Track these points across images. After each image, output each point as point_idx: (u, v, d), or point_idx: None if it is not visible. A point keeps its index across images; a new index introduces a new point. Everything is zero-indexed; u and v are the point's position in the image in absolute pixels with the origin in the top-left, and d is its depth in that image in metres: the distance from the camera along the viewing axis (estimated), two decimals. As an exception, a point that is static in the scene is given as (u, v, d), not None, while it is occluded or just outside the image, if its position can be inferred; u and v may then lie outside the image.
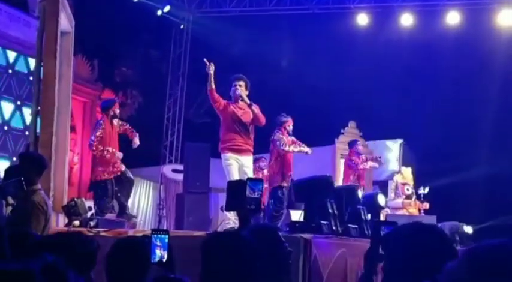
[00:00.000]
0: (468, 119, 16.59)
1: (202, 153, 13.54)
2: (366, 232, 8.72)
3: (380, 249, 3.84)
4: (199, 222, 12.90)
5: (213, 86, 9.69)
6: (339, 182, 13.95)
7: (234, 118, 9.75)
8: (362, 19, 17.31)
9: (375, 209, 9.87)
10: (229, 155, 9.67)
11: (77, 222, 8.54)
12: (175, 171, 16.96)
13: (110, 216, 10.36)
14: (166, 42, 19.07)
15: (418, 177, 14.91)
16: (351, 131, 17.10)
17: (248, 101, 9.81)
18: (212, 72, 9.63)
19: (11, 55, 14.75)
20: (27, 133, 14.23)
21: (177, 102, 18.98)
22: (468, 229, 12.79)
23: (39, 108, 7.98)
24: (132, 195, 15.42)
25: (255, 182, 5.40)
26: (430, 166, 15.88)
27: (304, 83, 16.78)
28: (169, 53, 19.15)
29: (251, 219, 5.29)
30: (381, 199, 10.18)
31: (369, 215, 9.28)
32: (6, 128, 14.56)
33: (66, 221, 8.69)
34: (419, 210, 13.89)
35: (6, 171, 6.98)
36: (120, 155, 10.42)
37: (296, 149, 11.03)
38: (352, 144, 13.78)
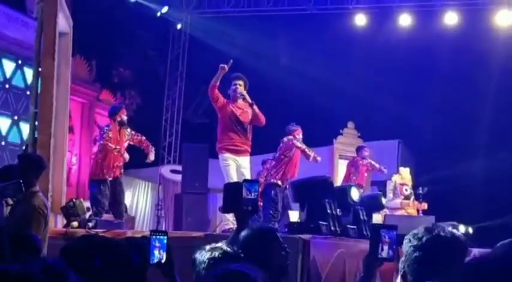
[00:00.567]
0: (466, 119, 16.60)
1: (201, 153, 13.55)
2: (365, 233, 8.74)
3: (379, 253, 3.84)
4: (197, 223, 12.93)
5: (217, 83, 9.63)
6: (337, 182, 13.98)
7: (233, 117, 9.68)
8: (360, 20, 17.32)
9: (373, 209, 9.90)
10: (227, 155, 9.59)
11: (75, 223, 8.56)
12: (173, 171, 16.96)
13: (108, 217, 10.40)
14: (164, 42, 19.08)
15: (416, 177, 14.91)
16: (349, 131, 17.12)
17: (250, 100, 9.74)
18: (225, 70, 9.56)
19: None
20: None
21: (175, 103, 18.98)
22: (466, 229, 12.78)
23: (37, 109, 7.98)
24: (130, 195, 15.51)
25: (251, 182, 5.39)
26: (429, 166, 15.90)
27: (303, 83, 16.77)
28: (167, 54, 19.16)
29: (248, 220, 5.28)
30: (381, 199, 10.23)
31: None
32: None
33: (65, 222, 8.70)
34: (418, 210, 13.89)
35: (1, 171, 6.89)
36: (127, 156, 10.61)
37: (308, 150, 11.08)
38: (359, 149, 13.90)
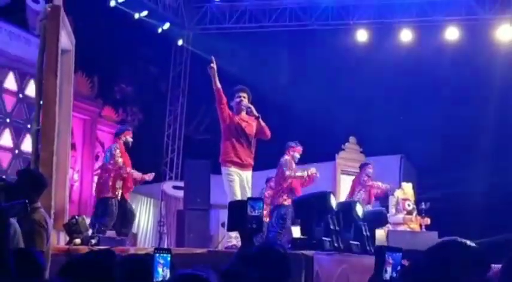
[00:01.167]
0: (467, 133, 16.59)
1: (203, 170, 13.56)
2: (368, 248, 8.72)
3: (383, 276, 3.83)
4: (200, 239, 12.93)
5: (219, 85, 9.42)
6: (340, 197, 13.96)
7: (238, 130, 9.45)
8: (362, 35, 17.38)
9: (376, 225, 9.87)
10: (232, 169, 9.34)
11: (78, 240, 8.56)
12: (175, 188, 16.95)
13: (111, 233, 10.41)
14: (166, 59, 19.13)
15: (418, 192, 14.88)
16: (351, 146, 17.11)
17: (256, 113, 9.51)
18: (214, 68, 9.40)
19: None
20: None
21: (177, 119, 19.01)
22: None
23: (39, 126, 7.98)
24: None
25: (256, 200, 5.41)
26: (431, 181, 15.88)
27: (304, 99, 16.76)
28: (169, 70, 19.21)
29: (253, 238, 5.27)
30: (384, 215, 10.22)
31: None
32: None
33: (68, 239, 8.70)
34: (421, 225, 13.86)
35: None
36: (138, 174, 10.72)
37: (299, 174, 11.20)
38: (363, 166, 13.86)
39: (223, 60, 17.26)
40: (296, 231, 8.83)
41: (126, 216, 10.91)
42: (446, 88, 16.78)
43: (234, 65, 17.06)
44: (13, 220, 5.48)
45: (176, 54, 19.25)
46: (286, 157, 11.43)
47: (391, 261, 3.95)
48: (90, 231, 9.31)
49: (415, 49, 16.95)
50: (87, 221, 9.45)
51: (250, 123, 9.57)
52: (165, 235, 16.42)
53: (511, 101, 15.94)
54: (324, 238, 7.97)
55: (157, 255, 4.07)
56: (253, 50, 17.34)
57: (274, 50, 17.90)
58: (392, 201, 14.31)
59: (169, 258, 4.09)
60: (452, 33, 16.73)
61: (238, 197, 8.93)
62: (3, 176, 10.08)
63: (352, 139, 17.16)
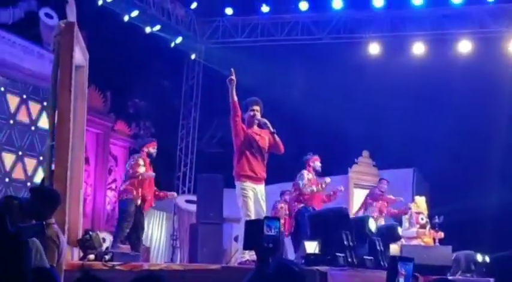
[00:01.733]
0: (481, 146, 16.54)
1: (215, 183, 13.55)
2: (382, 263, 8.70)
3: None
4: (213, 253, 12.89)
5: (236, 98, 9.27)
6: (353, 212, 13.94)
7: (252, 143, 9.34)
8: (374, 48, 17.40)
9: (389, 239, 9.84)
10: (247, 184, 9.19)
11: (92, 256, 8.56)
12: (188, 201, 16.97)
13: (125, 248, 10.42)
14: (179, 73, 19.18)
15: (431, 206, 14.84)
16: (364, 160, 17.09)
17: (272, 129, 9.43)
18: (234, 80, 9.31)
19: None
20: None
21: (190, 133, 19.04)
22: (483, 258, 12.70)
23: (54, 142, 8.00)
24: (145, 226, 15.54)
25: (272, 220, 5.39)
26: (444, 195, 15.82)
27: (317, 112, 16.76)
28: (182, 84, 19.26)
29: (269, 258, 5.23)
30: (398, 230, 10.19)
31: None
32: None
33: (81, 254, 8.70)
34: (434, 239, 13.81)
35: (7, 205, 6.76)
36: (151, 174, 10.90)
37: (319, 188, 11.30)
38: (378, 181, 14.14)
39: (236, 74, 17.37)
40: (310, 247, 8.78)
41: (138, 227, 10.96)
42: (459, 101, 16.72)
43: (247, 79, 16.98)
44: (34, 239, 5.49)
45: (189, 68, 19.31)
46: (304, 173, 11.48)
47: (403, 272, 3.95)
48: (104, 247, 9.32)
49: (428, 62, 16.94)
50: (101, 236, 9.46)
51: (263, 136, 9.46)
52: (178, 249, 16.43)
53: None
54: (337, 254, 7.95)
55: None
56: (265, 64, 17.35)
57: (286, 63, 17.91)
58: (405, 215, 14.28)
59: None
60: (464, 46, 16.73)
61: (252, 213, 8.89)
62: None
63: (365, 153, 17.15)
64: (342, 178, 16.43)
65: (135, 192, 10.81)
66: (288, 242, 12.25)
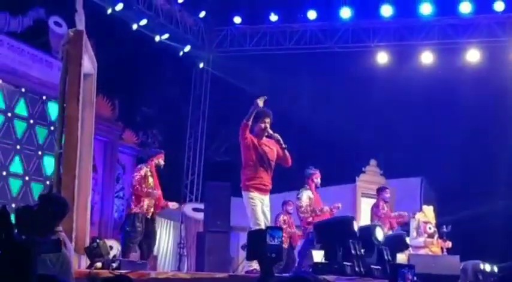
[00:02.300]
0: (489, 155, 16.53)
1: (223, 192, 13.54)
2: (389, 273, 8.67)
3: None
4: (220, 262, 12.89)
5: (250, 122, 9.18)
6: (360, 220, 13.91)
7: (261, 155, 9.30)
8: (382, 57, 17.40)
9: (397, 249, 9.82)
10: (255, 194, 9.18)
11: (99, 264, 8.56)
12: (195, 210, 16.95)
13: (133, 256, 10.42)
14: (187, 81, 19.20)
15: (439, 215, 14.81)
16: (371, 169, 17.08)
17: (284, 144, 9.39)
18: (259, 106, 9.15)
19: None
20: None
21: (198, 141, 19.04)
22: (491, 268, 12.66)
23: (62, 150, 8.03)
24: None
25: (275, 229, 5.39)
26: (452, 204, 15.79)
27: (325, 121, 16.76)
28: (190, 93, 19.28)
29: (272, 268, 5.22)
30: (405, 239, 10.17)
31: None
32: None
33: (88, 262, 8.71)
34: (442, 249, 13.76)
35: (21, 213, 6.71)
36: (157, 193, 10.76)
37: (318, 211, 11.32)
38: (380, 191, 13.60)
39: (244, 82, 17.41)
40: (317, 256, 8.78)
41: (150, 236, 10.97)
42: (467, 110, 16.71)
43: (255, 87, 17.10)
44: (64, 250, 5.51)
45: (197, 76, 19.34)
46: (303, 196, 11.46)
47: (410, 277, 3.97)
48: (111, 254, 9.32)
49: (436, 71, 16.94)
50: (108, 244, 9.45)
51: (272, 148, 9.44)
52: (185, 257, 16.39)
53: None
54: (345, 263, 7.95)
55: None
56: (273, 72, 17.36)
57: (294, 72, 17.92)
58: (413, 224, 14.23)
59: None
60: (473, 56, 16.72)
61: (262, 222, 8.89)
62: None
63: (372, 162, 17.14)
64: (349, 187, 16.42)
65: (144, 204, 10.77)
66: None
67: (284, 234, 10.70)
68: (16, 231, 6.09)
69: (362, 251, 8.44)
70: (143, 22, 16.61)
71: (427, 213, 14.36)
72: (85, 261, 8.81)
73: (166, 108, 18.75)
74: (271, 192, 9.66)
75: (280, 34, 18.23)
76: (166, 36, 17.37)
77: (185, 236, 16.83)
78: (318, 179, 11.59)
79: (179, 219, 17.05)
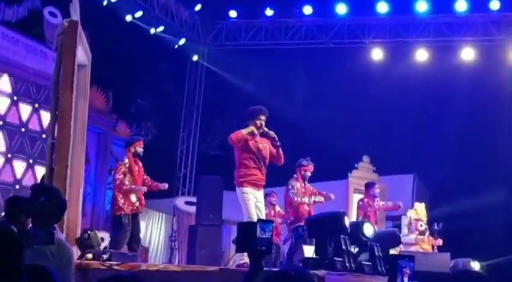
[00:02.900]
0: (483, 153, 16.56)
1: (216, 185, 13.53)
2: (380, 269, 8.67)
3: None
4: (211, 255, 12.88)
5: (245, 137, 9.35)
6: (352, 216, 13.89)
7: (256, 152, 9.42)
8: (377, 54, 17.41)
9: (389, 245, 9.82)
10: (249, 189, 9.31)
11: (90, 255, 8.55)
12: (188, 203, 16.94)
13: (123, 248, 10.42)
14: (182, 74, 19.18)
15: (431, 212, 14.84)
16: (364, 165, 17.07)
17: (279, 143, 9.49)
18: (255, 134, 9.36)
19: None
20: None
21: (191, 134, 19.02)
22: (481, 265, 12.70)
23: (54, 140, 8.01)
24: (144, 226, 15.53)
25: (266, 222, 5.39)
26: (444, 201, 15.83)
27: (319, 117, 16.78)
28: (184, 86, 19.25)
29: (262, 260, 5.23)
30: (397, 235, 10.19)
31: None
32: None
33: (79, 253, 8.70)
34: (433, 246, 13.79)
35: (11, 202, 6.69)
36: (144, 188, 10.69)
37: (311, 200, 11.20)
38: (369, 186, 13.42)
39: (238, 77, 17.41)
40: (308, 251, 8.79)
41: (136, 232, 10.96)
42: (461, 108, 16.75)
43: (249, 82, 17.12)
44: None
45: (191, 69, 19.30)
46: (293, 183, 11.39)
47: (408, 271, 3.97)
48: (102, 246, 9.31)
49: (430, 69, 16.95)
50: (100, 235, 9.44)
51: (265, 145, 9.55)
52: (176, 250, 16.40)
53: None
54: (335, 258, 7.95)
55: None
56: (268, 67, 17.37)
57: (289, 67, 17.93)
58: (404, 221, 14.26)
59: None
60: (467, 54, 16.74)
61: (255, 216, 8.97)
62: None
63: (365, 158, 17.13)
64: (341, 183, 16.42)
65: (126, 204, 10.74)
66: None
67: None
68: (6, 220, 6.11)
69: (353, 246, 8.45)
70: (138, 14, 16.59)
71: (419, 211, 14.39)
72: (76, 253, 8.79)
73: (160, 101, 18.74)
74: (265, 186, 9.73)
75: (275, 29, 18.21)
76: (161, 28, 17.35)
77: (177, 229, 16.83)
78: (307, 172, 11.47)
79: (171, 212, 17.06)
